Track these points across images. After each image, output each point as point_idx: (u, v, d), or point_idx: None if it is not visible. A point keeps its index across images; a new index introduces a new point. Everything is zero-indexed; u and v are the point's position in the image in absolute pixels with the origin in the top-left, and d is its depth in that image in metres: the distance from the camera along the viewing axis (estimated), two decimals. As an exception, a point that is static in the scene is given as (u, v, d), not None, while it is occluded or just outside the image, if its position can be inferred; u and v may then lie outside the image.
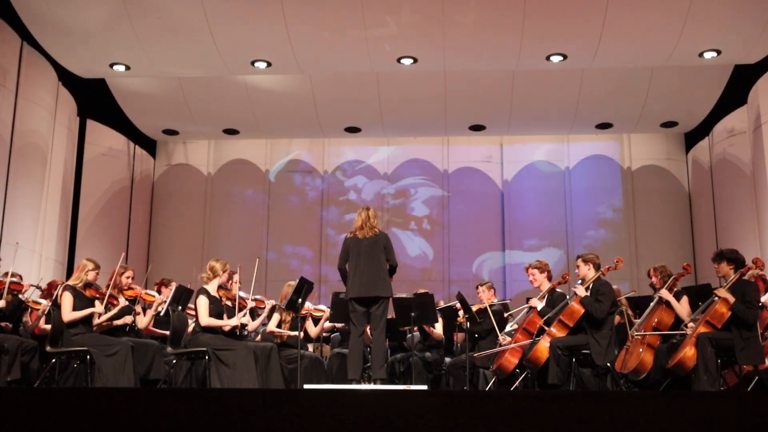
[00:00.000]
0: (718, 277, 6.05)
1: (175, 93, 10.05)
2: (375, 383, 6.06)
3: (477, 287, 7.51)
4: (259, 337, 7.08)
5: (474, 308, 7.05)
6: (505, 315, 7.23)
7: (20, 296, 6.60)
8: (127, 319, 6.52)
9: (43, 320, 6.64)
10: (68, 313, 6.05)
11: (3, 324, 6.41)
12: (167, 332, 6.46)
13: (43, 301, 6.73)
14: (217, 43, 8.31)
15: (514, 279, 10.86)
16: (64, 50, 8.64)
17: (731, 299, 5.52)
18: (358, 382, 6.14)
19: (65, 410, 3.15)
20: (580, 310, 6.03)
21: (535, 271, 6.61)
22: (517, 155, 11.47)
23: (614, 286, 7.03)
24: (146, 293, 6.88)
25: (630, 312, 6.81)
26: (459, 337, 7.78)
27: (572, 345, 5.98)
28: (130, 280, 6.73)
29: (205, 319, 6.04)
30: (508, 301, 8.17)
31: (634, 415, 3.01)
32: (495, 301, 7.30)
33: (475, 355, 6.81)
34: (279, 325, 6.99)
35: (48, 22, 8.02)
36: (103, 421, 3.09)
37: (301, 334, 6.82)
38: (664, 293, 6.16)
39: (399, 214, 11.38)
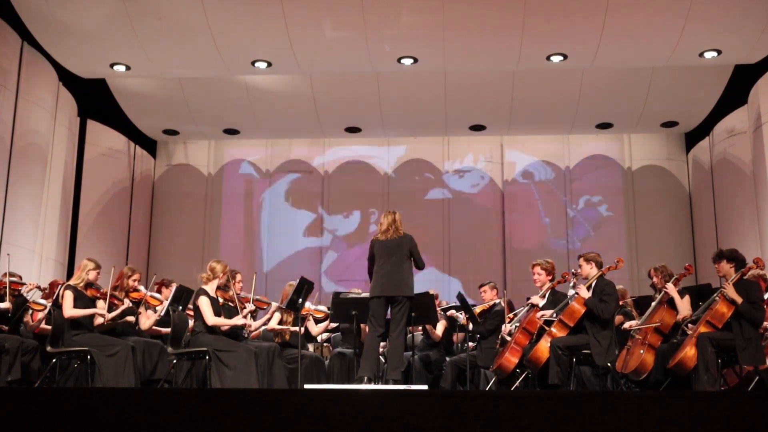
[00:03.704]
0: (719, 276, 6.05)
1: (176, 93, 10.05)
2: (388, 383, 6.03)
3: (480, 287, 7.49)
4: (257, 332, 7.04)
5: (477, 309, 7.04)
6: (509, 315, 7.19)
7: (23, 295, 6.59)
8: (130, 319, 6.53)
9: (44, 320, 6.64)
10: (69, 310, 6.03)
11: (4, 327, 6.41)
12: (169, 329, 6.45)
13: (44, 301, 6.72)
14: (217, 43, 8.31)
15: (515, 279, 10.85)
16: (65, 50, 8.64)
17: (739, 299, 5.51)
18: (372, 381, 6.02)
19: (65, 410, 3.15)
20: (581, 310, 6.00)
21: (542, 270, 6.58)
22: (517, 155, 11.47)
23: (620, 286, 7.02)
24: (151, 296, 6.88)
25: (635, 313, 6.79)
26: (458, 337, 7.78)
27: (573, 345, 5.96)
28: (136, 283, 6.74)
29: (212, 319, 6.03)
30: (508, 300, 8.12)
31: (634, 415, 3.01)
32: (497, 300, 7.29)
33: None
34: (280, 324, 6.98)
35: (48, 22, 8.02)
36: (103, 421, 3.09)
37: (302, 330, 6.80)
38: (670, 287, 6.15)
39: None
